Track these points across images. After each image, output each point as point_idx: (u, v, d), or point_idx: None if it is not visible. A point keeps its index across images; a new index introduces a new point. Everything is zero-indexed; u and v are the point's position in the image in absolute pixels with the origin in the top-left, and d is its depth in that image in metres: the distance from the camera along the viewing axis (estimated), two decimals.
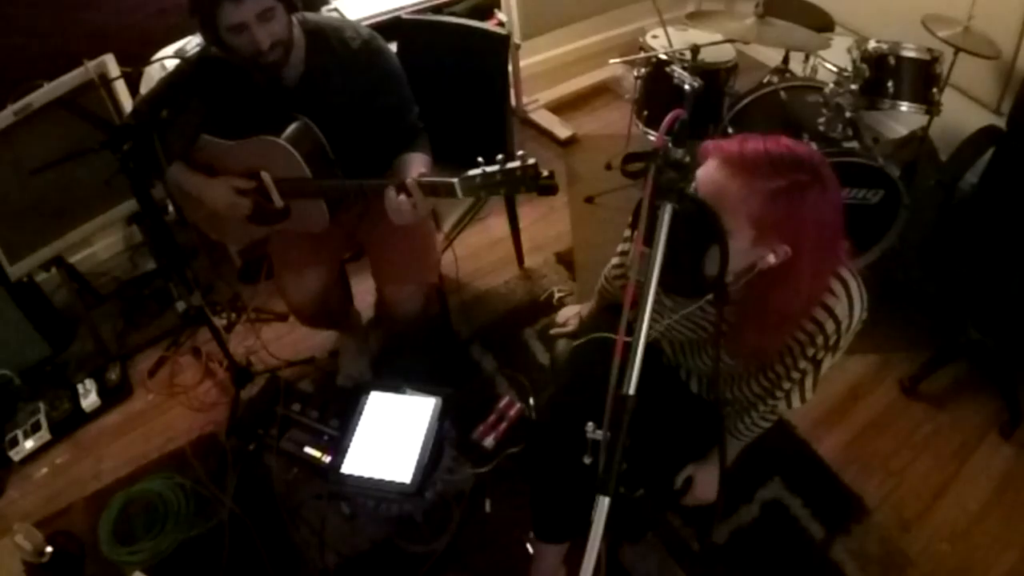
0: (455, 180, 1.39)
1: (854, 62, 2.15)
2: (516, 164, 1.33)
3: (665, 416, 1.39)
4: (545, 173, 1.33)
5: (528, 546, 1.72)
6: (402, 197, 1.46)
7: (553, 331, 1.85)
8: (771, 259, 1.05)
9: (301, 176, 1.56)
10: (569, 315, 1.86)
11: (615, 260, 1.54)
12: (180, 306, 2.36)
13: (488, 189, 1.37)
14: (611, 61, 2.72)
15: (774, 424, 1.45)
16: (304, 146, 1.56)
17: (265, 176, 1.60)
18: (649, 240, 0.89)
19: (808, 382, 1.29)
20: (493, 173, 1.35)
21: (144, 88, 2.09)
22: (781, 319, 1.14)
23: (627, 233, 1.47)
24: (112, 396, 2.20)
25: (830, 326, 1.15)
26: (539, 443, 1.59)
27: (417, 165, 1.63)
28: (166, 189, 2.07)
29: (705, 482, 1.46)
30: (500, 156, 1.35)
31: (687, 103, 2.28)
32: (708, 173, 1.05)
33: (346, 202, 1.70)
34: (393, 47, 1.81)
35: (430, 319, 1.97)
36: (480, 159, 1.35)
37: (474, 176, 1.36)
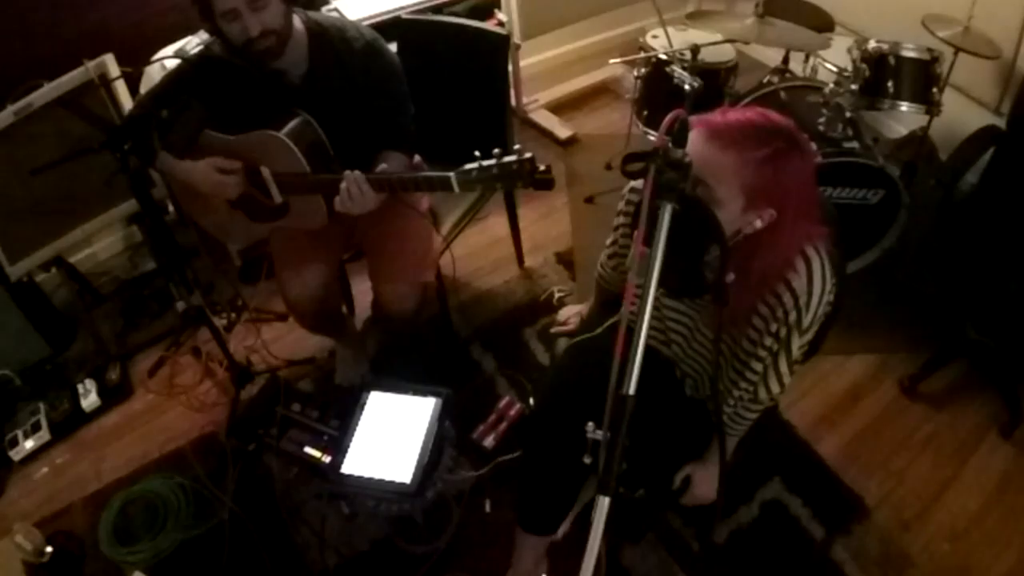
0: (451, 174, 1.39)
1: (854, 62, 2.15)
2: (512, 158, 1.32)
3: (661, 415, 1.39)
4: (542, 167, 1.33)
5: None
6: (347, 188, 1.48)
7: (553, 330, 1.86)
8: (758, 223, 1.10)
9: (300, 171, 1.56)
10: (570, 314, 1.87)
11: (609, 240, 1.54)
12: (180, 306, 2.36)
13: (484, 183, 1.37)
14: (611, 61, 2.72)
15: (767, 420, 1.45)
16: (304, 141, 1.56)
17: (265, 171, 1.60)
18: (649, 240, 0.89)
19: (782, 365, 1.29)
20: (489, 167, 1.35)
21: (144, 88, 2.09)
22: (762, 279, 1.17)
23: (620, 206, 1.46)
24: (112, 396, 2.20)
25: (788, 300, 1.18)
26: (530, 436, 1.61)
27: (383, 161, 1.62)
28: (168, 189, 2.08)
29: (703, 481, 1.46)
30: (496, 150, 1.34)
31: (687, 103, 2.28)
32: (695, 147, 1.06)
33: None
34: (393, 47, 1.81)
35: (426, 318, 1.97)
36: (477, 153, 1.35)
37: (470, 170, 1.36)
